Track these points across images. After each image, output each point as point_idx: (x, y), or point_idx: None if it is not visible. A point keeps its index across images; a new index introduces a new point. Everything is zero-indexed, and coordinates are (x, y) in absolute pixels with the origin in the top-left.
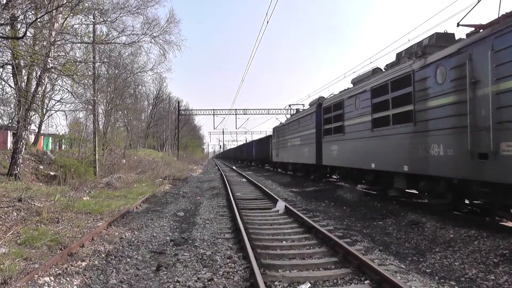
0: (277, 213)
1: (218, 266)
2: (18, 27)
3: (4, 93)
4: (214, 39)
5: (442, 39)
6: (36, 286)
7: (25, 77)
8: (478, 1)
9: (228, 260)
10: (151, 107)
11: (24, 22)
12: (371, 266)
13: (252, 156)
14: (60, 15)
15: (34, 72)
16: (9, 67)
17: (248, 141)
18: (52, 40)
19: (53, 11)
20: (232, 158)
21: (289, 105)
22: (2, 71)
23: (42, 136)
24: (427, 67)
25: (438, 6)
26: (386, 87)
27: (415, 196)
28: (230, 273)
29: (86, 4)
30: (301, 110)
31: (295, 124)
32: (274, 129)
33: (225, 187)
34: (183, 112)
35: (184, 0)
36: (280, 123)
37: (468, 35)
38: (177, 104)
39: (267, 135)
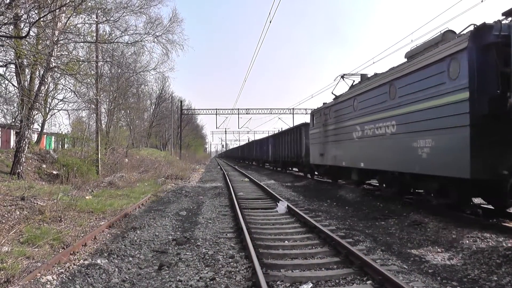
0: (279, 213)
1: (220, 266)
2: (22, 27)
3: (7, 92)
4: (216, 38)
5: None
6: (38, 284)
7: (28, 76)
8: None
9: (230, 260)
10: (153, 107)
11: (27, 21)
12: (373, 266)
13: (268, 156)
14: (63, 15)
15: (37, 71)
16: (13, 66)
17: (250, 140)
18: (55, 39)
19: (56, 11)
20: (237, 158)
21: (342, 76)
22: (6, 70)
23: (45, 135)
24: None
25: (441, 6)
26: None
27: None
28: (232, 273)
29: (89, 4)
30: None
31: (374, 96)
32: (313, 113)
33: (227, 187)
34: (185, 112)
35: (187, 0)
36: (324, 104)
37: None
38: (179, 104)
39: (293, 125)
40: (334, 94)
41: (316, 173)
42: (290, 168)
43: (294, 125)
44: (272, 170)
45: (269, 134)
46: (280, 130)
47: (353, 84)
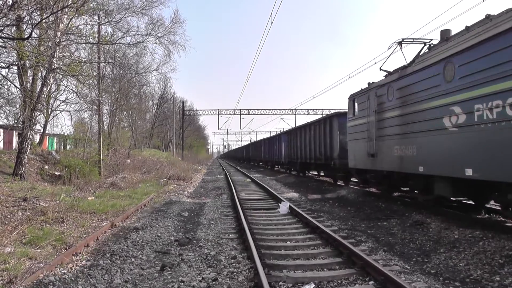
0: (281, 214)
1: (223, 266)
2: (24, 28)
3: (10, 93)
4: (218, 39)
5: None
6: (41, 285)
7: (31, 78)
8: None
9: (232, 260)
10: (155, 107)
11: (29, 23)
12: (375, 267)
13: (280, 157)
14: (65, 16)
15: (40, 73)
16: (15, 67)
17: (253, 140)
18: (57, 40)
19: (58, 12)
20: (241, 159)
21: (399, 42)
22: (8, 71)
23: (47, 136)
24: None
25: (442, 7)
26: None
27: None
28: (235, 273)
29: (91, 5)
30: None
31: (502, 48)
32: (354, 97)
33: (230, 188)
34: (187, 112)
35: (189, 1)
36: (369, 84)
37: None
38: (181, 104)
39: (313, 120)
40: (385, 71)
41: (353, 179)
42: (307, 172)
43: (323, 116)
44: (285, 173)
45: (271, 134)
46: (282, 130)
47: (423, 50)
